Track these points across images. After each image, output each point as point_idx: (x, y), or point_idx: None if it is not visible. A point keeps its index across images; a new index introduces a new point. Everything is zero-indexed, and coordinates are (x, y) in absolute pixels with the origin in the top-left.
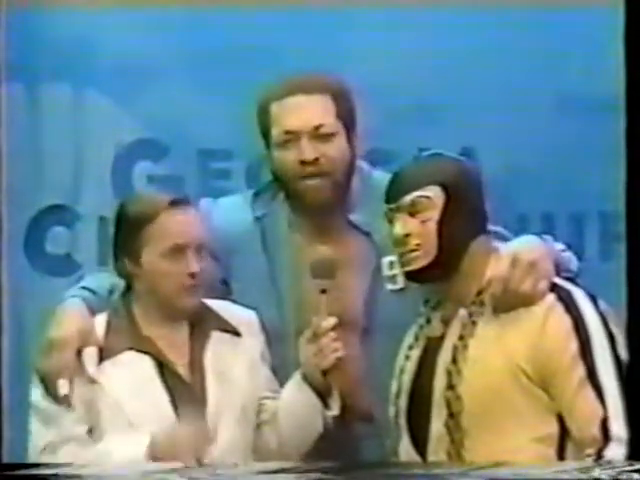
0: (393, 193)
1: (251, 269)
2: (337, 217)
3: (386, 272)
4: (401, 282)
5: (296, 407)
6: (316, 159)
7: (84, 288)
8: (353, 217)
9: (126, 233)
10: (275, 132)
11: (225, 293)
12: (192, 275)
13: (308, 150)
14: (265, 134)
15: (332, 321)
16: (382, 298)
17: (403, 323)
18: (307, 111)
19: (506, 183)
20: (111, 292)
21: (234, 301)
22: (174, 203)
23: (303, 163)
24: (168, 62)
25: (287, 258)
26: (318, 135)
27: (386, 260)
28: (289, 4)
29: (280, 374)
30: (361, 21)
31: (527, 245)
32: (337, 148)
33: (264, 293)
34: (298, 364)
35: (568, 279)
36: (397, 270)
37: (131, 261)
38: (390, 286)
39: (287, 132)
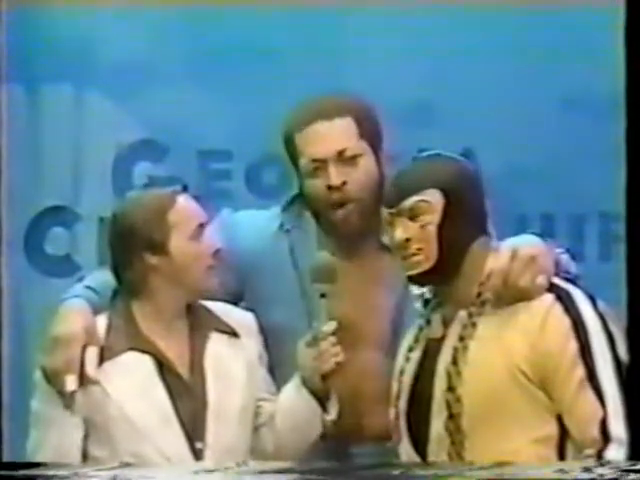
0: (392, 197)
1: (281, 283)
2: (368, 239)
3: (415, 291)
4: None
5: (294, 410)
6: (343, 183)
7: (87, 287)
8: (385, 239)
9: (144, 228)
10: (302, 162)
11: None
12: (216, 252)
13: (334, 175)
14: (295, 164)
15: (332, 325)
16: (409, 318)
17: None
18: (329, 137)
19: (506, 183)
20: (115, 292)
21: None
22: (184, 189)
23: (330, 189)
24: (168, 62)
25: None
26: (343, 159)
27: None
28: (289, 4)
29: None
30: (361, 22)
31: (527, 241)
32: (364, 170)
33: (294, 307)
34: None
35: (567, 280)
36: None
37: (155, 253)
38: (418, 305)
39: (313, 160)
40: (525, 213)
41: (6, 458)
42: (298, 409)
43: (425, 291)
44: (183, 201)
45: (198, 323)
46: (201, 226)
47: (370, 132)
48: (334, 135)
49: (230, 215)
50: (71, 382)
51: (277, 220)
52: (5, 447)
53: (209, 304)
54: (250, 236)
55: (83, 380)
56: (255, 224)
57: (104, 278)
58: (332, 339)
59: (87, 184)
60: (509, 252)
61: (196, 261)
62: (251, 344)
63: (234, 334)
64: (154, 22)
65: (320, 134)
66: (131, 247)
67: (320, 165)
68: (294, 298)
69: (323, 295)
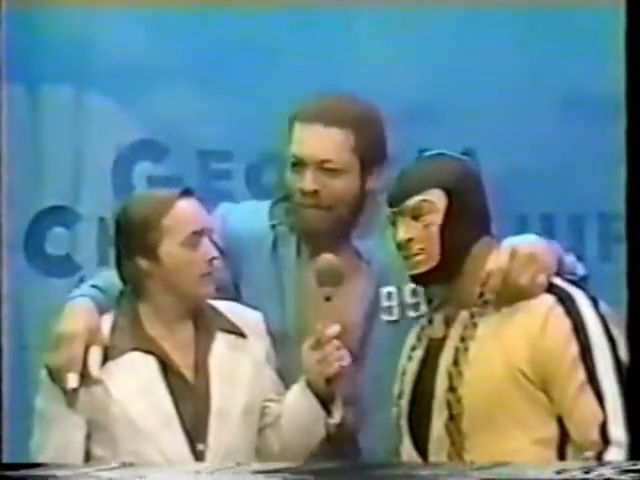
0: (396, 196)
1: (260, 275)
2: (339, 242)
3: (383, 303)
4: (397, 314)
5: (299, 413)
6: (315, 191)
7: (94, 287)
8: (356, 243)
9: (139, 230)
10: (290, 152)
11: (236, 296)
12: (211, 261)
13: (308, 181)
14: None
15: (336, 329)
16: (378, 327)
17: (396, 354)
18: (318, 143)
19: (506, 184)
20: (122, 292)
21: (243, 304)
22: (183, 194)
23: (302, 192)
24: (168, 63)
25: (294, 269)
26: (323, 168)
27: (384, 291)
28: (289, 5)
29: (282, 378)
30: (361, 22)
31: (527, 240)
32: (343, 184)
33: (270, 299)
34: (300, 368)
35: (573, 282)
36: (394, 302)
37: (146, 257)
38: (386, 317)
39: (295, 157)
40: (525, 213)
41: (6, 459)
42: (303, 411)
43: (394, 305)
44: (183, 206)
45: (204, 323)
46: (197, 233)
47: (366, 148)
48: (324, 144)
49: (227, 206)
50: (72, 379)
51: (267, 214)
52: (5, 447)
53: (217, 303)
54: (242, 227)
55: (86, 379)
56: (249, 216)
57: (111, 278)
58: (336, 343)
59: (87, 184)
60: (509, 251)
61: (188, 268)
62: (258, 344)
63: (241, 334)
64: (154, 22)
65: (312, 137)
66: (127, 249)
67: (300, 165)
68: (272, 290)
69: (328, 298)
